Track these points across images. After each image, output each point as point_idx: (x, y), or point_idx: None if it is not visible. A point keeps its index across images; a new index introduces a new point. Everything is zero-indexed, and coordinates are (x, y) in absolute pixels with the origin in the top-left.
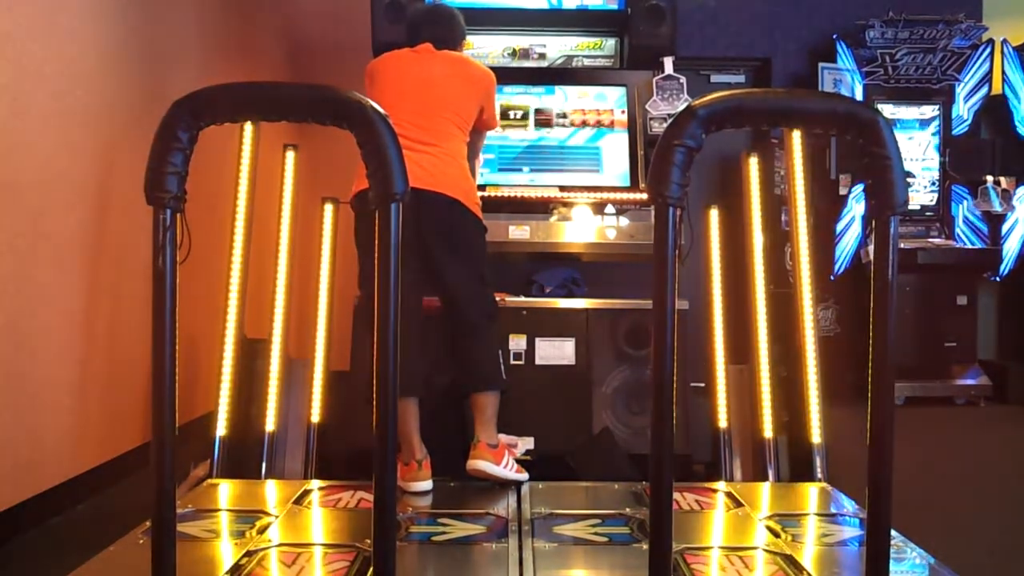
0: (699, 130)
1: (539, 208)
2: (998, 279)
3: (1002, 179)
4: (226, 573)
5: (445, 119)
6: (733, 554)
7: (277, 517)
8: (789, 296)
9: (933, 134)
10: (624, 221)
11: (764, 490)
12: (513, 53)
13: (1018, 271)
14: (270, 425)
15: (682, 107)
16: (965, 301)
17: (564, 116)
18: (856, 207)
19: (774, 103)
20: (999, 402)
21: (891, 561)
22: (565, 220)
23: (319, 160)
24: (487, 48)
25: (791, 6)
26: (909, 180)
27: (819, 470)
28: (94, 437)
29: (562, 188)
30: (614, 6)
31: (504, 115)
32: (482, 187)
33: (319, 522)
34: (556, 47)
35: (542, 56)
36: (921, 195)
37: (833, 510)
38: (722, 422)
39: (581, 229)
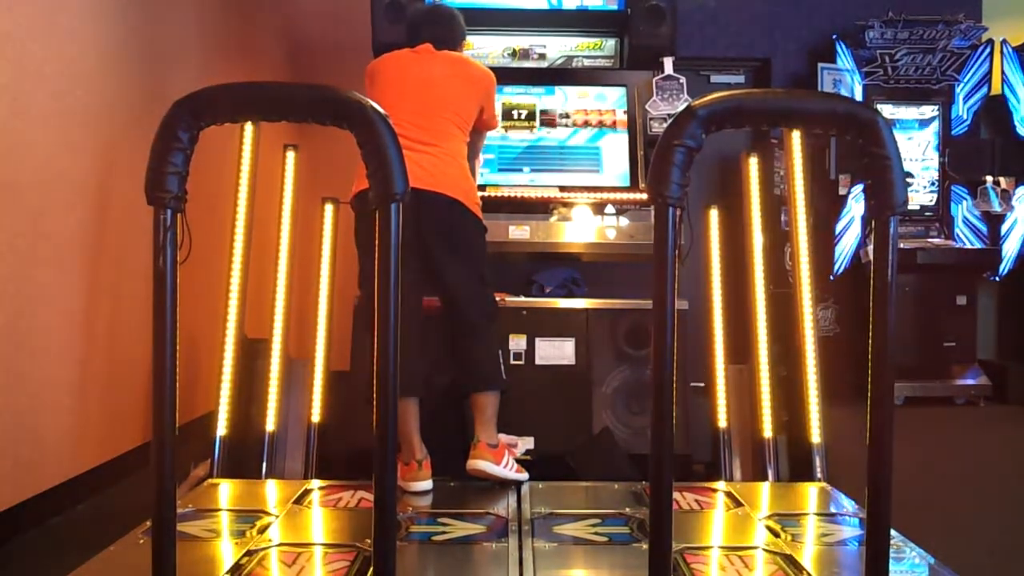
0: (699, 130)
1: (539, 208)
2: (997, 279)
3: (1001, 179)
4: (226, 573)
5: (445, 119)
6: (733, 554)
7: (277, 517)
8: (789, 296)
9: (933, 134)
10: (624, 221)
11: (764, 490)
12: (513, 53)
13: (1017, 271)
14: (270, 425)
15: (682, 107)
16: (965, 301)
17: (567, 116)
18: (856, 207)
19: (774, 103)
20: (999, 402)
21: (891, 561)
22: (565, 220)
23: (319, 160)
24: (487, 48)
25: (791, 6)
26: (908, 180)
27: (819, 470)
28: (94, 437)
29: (562, 188)
30: (614, 6)
31: (505, 115)
32: (482, 187)
33: (319, 522)
34: (556, 47)
35: (542, 56)
36: (921, 195)
37: (833, 510)
38: (722, 422)
39: (581, 229)
